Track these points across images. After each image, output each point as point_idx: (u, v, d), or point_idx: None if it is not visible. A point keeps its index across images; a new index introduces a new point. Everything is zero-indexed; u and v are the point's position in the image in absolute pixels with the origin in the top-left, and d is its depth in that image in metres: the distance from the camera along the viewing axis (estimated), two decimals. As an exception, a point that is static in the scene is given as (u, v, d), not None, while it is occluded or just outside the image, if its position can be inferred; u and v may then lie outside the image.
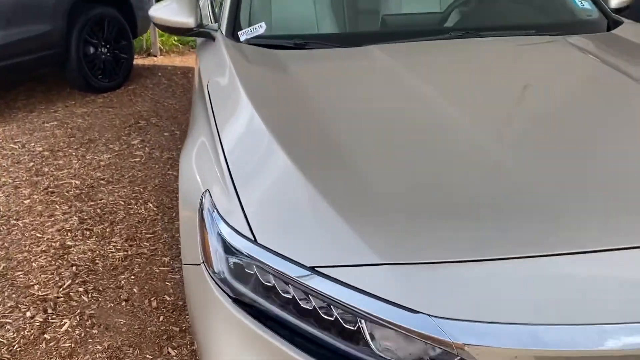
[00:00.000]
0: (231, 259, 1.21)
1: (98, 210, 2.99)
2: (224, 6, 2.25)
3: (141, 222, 2.88)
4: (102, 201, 3.10)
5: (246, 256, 1.16)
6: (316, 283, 1.07)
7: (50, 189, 3.23)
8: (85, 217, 2.91)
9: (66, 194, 3.18)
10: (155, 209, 3.03)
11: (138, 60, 6.12)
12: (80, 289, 2.30)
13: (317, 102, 1.60)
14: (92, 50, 5.02)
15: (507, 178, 1.26)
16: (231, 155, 1.42)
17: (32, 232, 2.76)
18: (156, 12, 2.33)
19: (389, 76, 1.75)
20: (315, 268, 1.08)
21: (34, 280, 2.36)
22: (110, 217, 2.93)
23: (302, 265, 1.09)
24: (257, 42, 2.09)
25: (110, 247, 2.64)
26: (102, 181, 3.35)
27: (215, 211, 1.29)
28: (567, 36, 2.10)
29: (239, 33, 2.13)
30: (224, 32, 2.16)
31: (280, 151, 1.35)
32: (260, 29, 2.12)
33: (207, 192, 1.37)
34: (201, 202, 1.37)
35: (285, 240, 1.16)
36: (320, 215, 1.17)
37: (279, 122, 1.49)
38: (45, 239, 2.70)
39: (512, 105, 1.64)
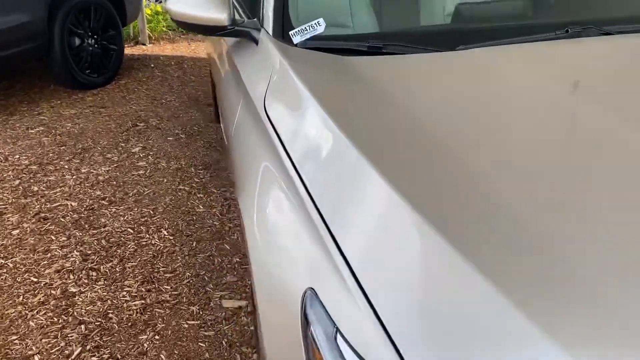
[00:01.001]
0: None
1: (103, 242, 2.50)
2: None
3: (157, 257, 2.41)
4: (105, 229, 2.61)
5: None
6: None
7: (42, 214, 2.73)
8: (89, 252, 2.43)
9: (62, 219, 2.68)
10: (171, 237, 2.56)
11: (126, 50, 5.55)
12: (94, 359, 1.84)
13: (446, 142, 1.10)
14: (77, 41, 4.46)
15: None
16: (341, 232, 0.95)
17: (26, 276, 2.27)
18: (175, 5, 1.83)
19: (537, 102, 1.26)
20: None
21: (33, 349, 1.88)
22: (118, 250, 2.45)
23: None
24: (317, 45, 1.61)
25: (124, 293, 2.17)
26: (103, 201, 2.86)
27: (336, 333, 0.84)
28: None
29: (291, 33, 1.65)
30: (270, 32, 1.68)
31: (423, 226, 0.86)
32: (318, 27, 1.64)
33: (312, 292, 0.92)
34: (304, 307, 0.92)
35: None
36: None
37: (403, 173, 1.00)
38: (42, 284, 2.22)
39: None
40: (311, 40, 1.63)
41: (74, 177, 3.11)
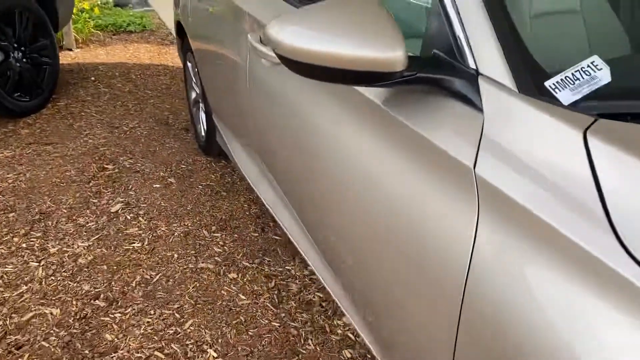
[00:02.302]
0: None
1: (124, 383, 1.66)
2: (474, 23, 1.01)
3: (216, 401, 1.60)
4: (118, 355, 1.76)
5: None
6: None
7: (10, 339, 1.81)
8: (108, 406, 1.58)
9: (45, 344, 1.79)
10: None
11: (56, 60, 4.47)
12: None
13: None
14: (0, 56, 3.39)
15: None
16: None
17: None
18: (292, 37, 1.04)
19: None
20: None
21: None
22: (153, 396, 1.61)
23: None
24: (606, 107, 0.89)
25: None
26: (97, 302, 1.98)
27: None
28: None
29: (550, 86, 0.92)
30: (508, 82, 0.93)
31: None
32: (596, 73, 0.92)
33: None
34: None
35: None
36: None
37: None
38: None
39: None
40: (592, 100, 0.91)
41: (41, 263, 2.18)
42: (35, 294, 2.02)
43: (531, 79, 0.94)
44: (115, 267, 2.17)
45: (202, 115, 3.06)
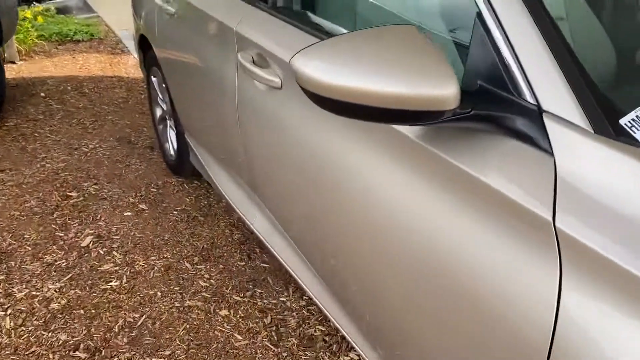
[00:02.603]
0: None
1: None
2: (528, 50, 0.90)
3: None
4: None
5: None
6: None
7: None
8: None
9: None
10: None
11: None
12: None
13: None
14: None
15: None
16: None
17: None
18: (321, 71, 0.92)
19: None
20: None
21: None
22: None
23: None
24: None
25: None
26: (77, 353, 1.79)
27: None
28: None
29: (627, 124, 0.83)
30: (586, 121, 0.82)
31: None
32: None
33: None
34: None
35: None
36: None
37: None
38: None
39: None
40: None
41: (8, 311, 1.96)
42: (4, 349, 1.80)
43: (604, 117, 0.84)
44: (93, 311, 1.97)
45: (171, 134, 2.87)
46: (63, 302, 2.01)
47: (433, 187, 1.04)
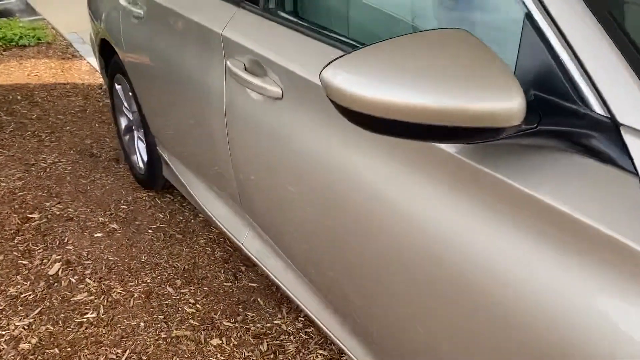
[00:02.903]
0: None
1: None
2: (594, 54, 0.79)
3: None
4: None
5: None
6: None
7: None
8: None
9: None
10: None
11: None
12: None
13: None
14: None
15: None
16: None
17: None
18: (362, 86, 0.79)
19: None
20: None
21: None
22: None
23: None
24: None
25: None
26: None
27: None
28: None
29: None
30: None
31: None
32: None
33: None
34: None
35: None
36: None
37: None
38: None
39: None
40: None
41: (-30, 356, 1.74)
42: (-30, 401, 1.59)
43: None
44: (69, 349, 1.77)
45: (140, 145, 2.67)
46: (34, 341, 1.80)
47: (485, 214, 0.91)
